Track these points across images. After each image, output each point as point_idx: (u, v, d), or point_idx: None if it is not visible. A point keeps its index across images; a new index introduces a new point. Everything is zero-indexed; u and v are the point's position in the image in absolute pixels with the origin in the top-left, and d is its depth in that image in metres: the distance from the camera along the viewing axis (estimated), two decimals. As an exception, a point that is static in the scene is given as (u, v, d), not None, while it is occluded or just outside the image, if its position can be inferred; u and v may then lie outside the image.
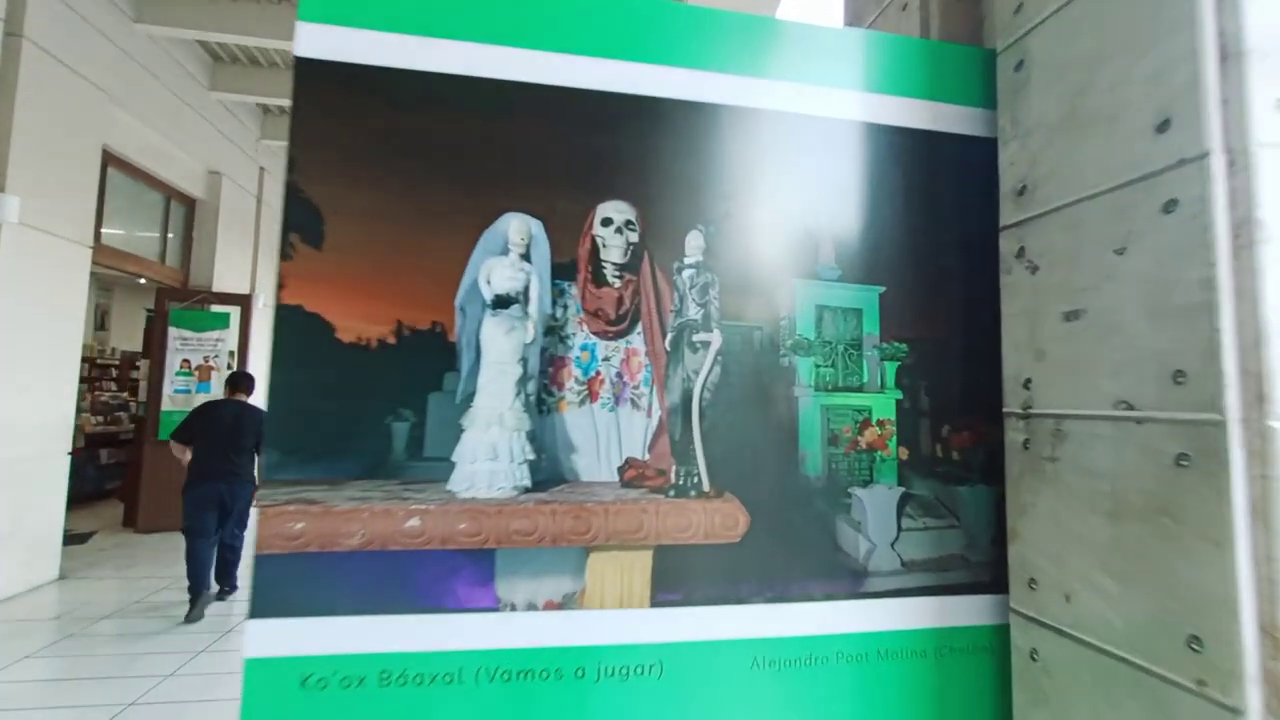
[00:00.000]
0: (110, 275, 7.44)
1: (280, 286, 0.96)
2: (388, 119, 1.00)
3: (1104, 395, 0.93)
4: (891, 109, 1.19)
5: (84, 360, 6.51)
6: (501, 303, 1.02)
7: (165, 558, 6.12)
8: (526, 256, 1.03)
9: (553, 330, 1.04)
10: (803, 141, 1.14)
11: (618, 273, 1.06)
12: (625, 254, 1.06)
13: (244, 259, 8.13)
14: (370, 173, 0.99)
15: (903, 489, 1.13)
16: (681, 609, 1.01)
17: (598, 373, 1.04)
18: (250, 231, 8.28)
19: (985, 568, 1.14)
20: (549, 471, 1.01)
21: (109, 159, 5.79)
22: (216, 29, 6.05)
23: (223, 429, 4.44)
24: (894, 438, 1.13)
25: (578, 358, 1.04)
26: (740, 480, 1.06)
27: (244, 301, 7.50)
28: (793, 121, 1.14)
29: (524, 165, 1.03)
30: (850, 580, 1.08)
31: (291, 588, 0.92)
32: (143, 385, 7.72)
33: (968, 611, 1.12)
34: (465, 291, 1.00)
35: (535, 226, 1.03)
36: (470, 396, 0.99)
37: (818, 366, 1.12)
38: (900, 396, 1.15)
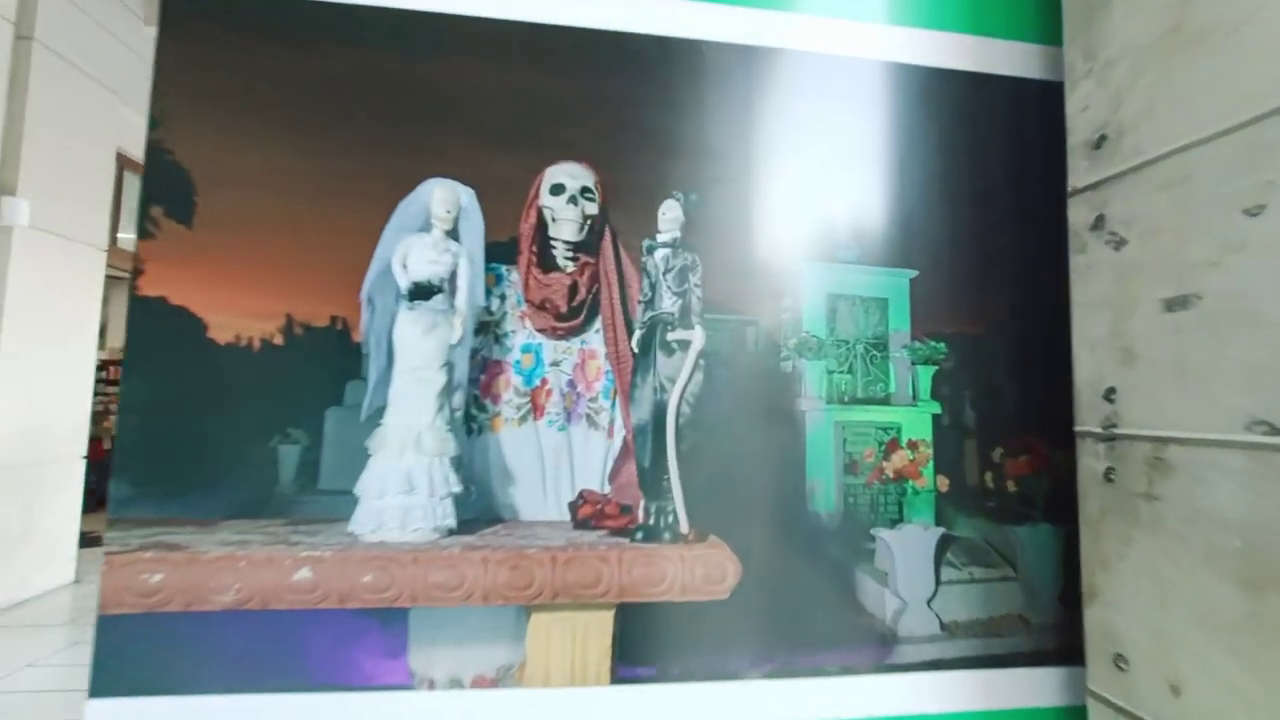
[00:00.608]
0: (122, 280, 7.45)
1: (138, 273, 0.76)
2: (278, 61, 0.79)
3: (1230, 413, 0.67)
4: (926, 46, 0.94)
5: (109, 364, 6.54)
6: (421, 292, 0.80)
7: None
8: (454, 234, 0.81)
9: (486, 327, 0.82)
10: (812, 87, 0.90)
11: (571, 254, 0.83)
12: (581, 230, 0.83)
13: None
14: (257, 130, 0.79)
15: (942, 530, 0.88)
16: (653, 687, 0.78)
17: (544, 381, 0.81)
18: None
19: (1052, 632, 0.88)
20: (480, 508, 0.79)
21: (124, 162, 5.78)
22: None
23: None
24: (930, 464, 0.88)
25: (518, 362, 0.81)
26: (729, 520, 0.83)
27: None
28: (799, 61, 0.90)
29: (452, 118, 0.82)
30: (875, 648, 0.84)
31: (146, 658, 0.72)
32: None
33: (1029, 689, 0.87)
34: (375, 279, 0.79)
35: (465, 196, 0.81)
36: (380, 412, 0.78)
37: (831, 373, 0.87)
38: (938, 410, 0.90)
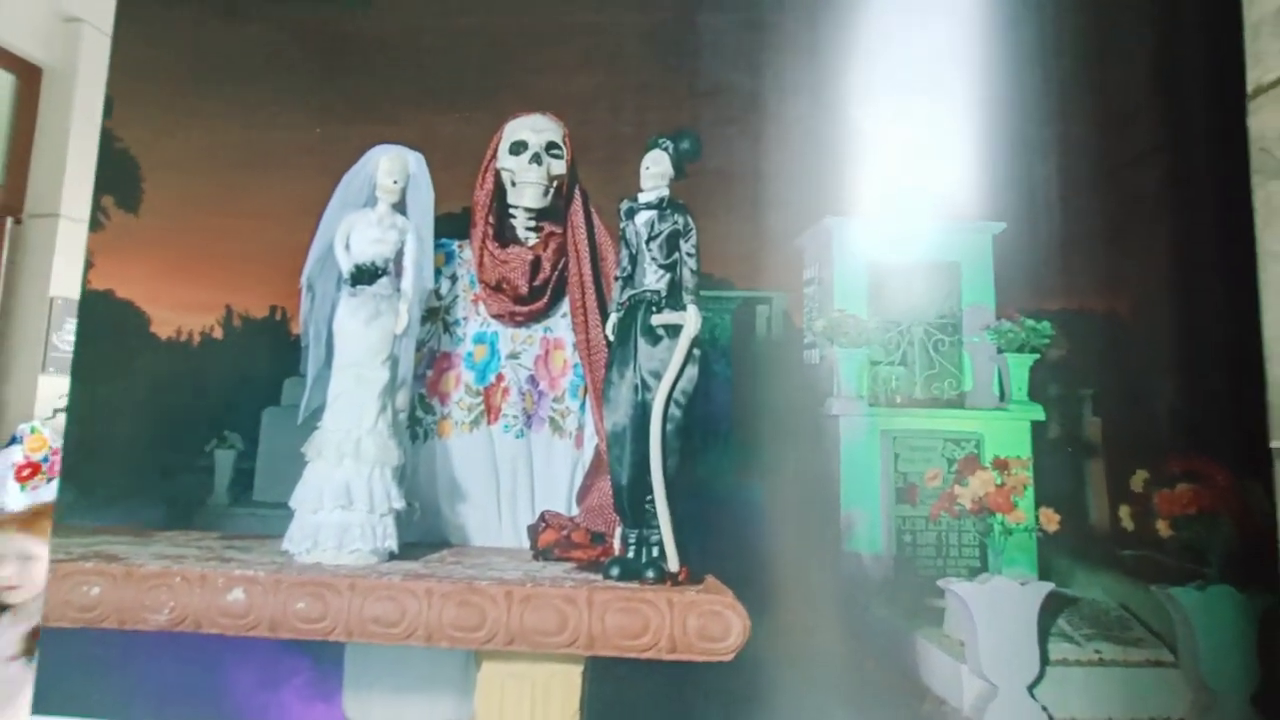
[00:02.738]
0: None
1: (88, 266, 0.72)
2: (217, 33, 0.73)
3: None
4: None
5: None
6: (363, 276, 0.69)
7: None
8: (401, 207, 0.70)
9: (435, 314, 0.69)
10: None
11: (533, 223, 0.68)
12: (545, 194, 0.68)
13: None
14: (199, 108, 0.73)
15: (1050, 585, 0.61)
16: (628, 774, 0.61)
17: (499, 377, 0.67)
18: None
19: (1238, 750, 0.58)
20: (424, 529, 0.66)
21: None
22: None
23: None
24: (1029, 491, 0.62)
25: (470, 354, 0.68)
26: (734, 559, 0.63)
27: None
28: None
29: (396, 74, 0.71)
30: (943, 752, 0.60)
31: (82, 678, 0.67)
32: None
33: (1200, 836, 0.58)
34: (315, 262, 0.70)
35: (414, 162, 0.70)
36: (318, 413, 0.68)
37: (875, 364, 0.65)
38: (1040, 417, 0.63)
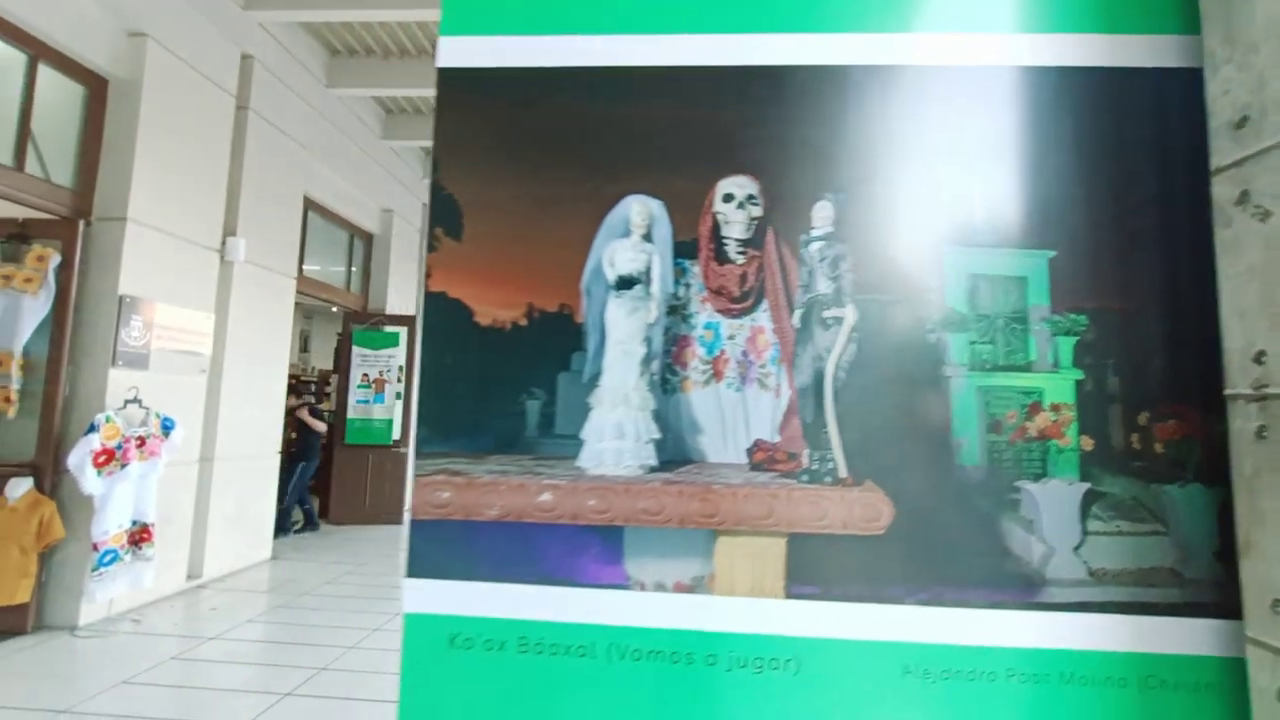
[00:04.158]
0: (312, 305, 8.80)
1: (427, 276, 1.05)
2: (515, 116, 1.06)
3: (1387, 363, 0.72)
4: (1056, 48, 1.04)
5: (292, 377, 7.73)
6: (624, 284, 1.03)
7: (352, 545, 7.04)
8: (648, 237, 1.03)
9: (675, 309, 1.03)
10: (950, 95, 1.03)
11: (741, 249, 1.02)
12: (748, 229, 1.02)
13: (410, 285, 9.24)
14: (501, 168, 1.06)
15: (1087, 485, 0.96)
16: (820, 603, 0.94)
17: (722, 351, 1.01)
18: (415, 260, 9.40)
19: (1208, 587, 0.93)
20: (674, 451, 0.99)
21: (308, 204, 6.89)
22: (391, 85, 7.00)
23: None
24: (1074, 425, 0.97)
25: (701, 337, 1.01)
26: (883, 468, 0.97)
27: (410, 322, 8.54)
28: (936, 75, 1.03)
29: (643, 148, 1.04)
30: (1022, 588, 0.93)
31: (440, 551, 0.99)
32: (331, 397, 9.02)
33: (1184, 638, 0.92)
34: (590, 274, 1.03)
35: (656, 207, 1.03)
36: (596, 376, 1.01)
37: (973, 343, 0.99)
38: (1080, 376, 0.98)
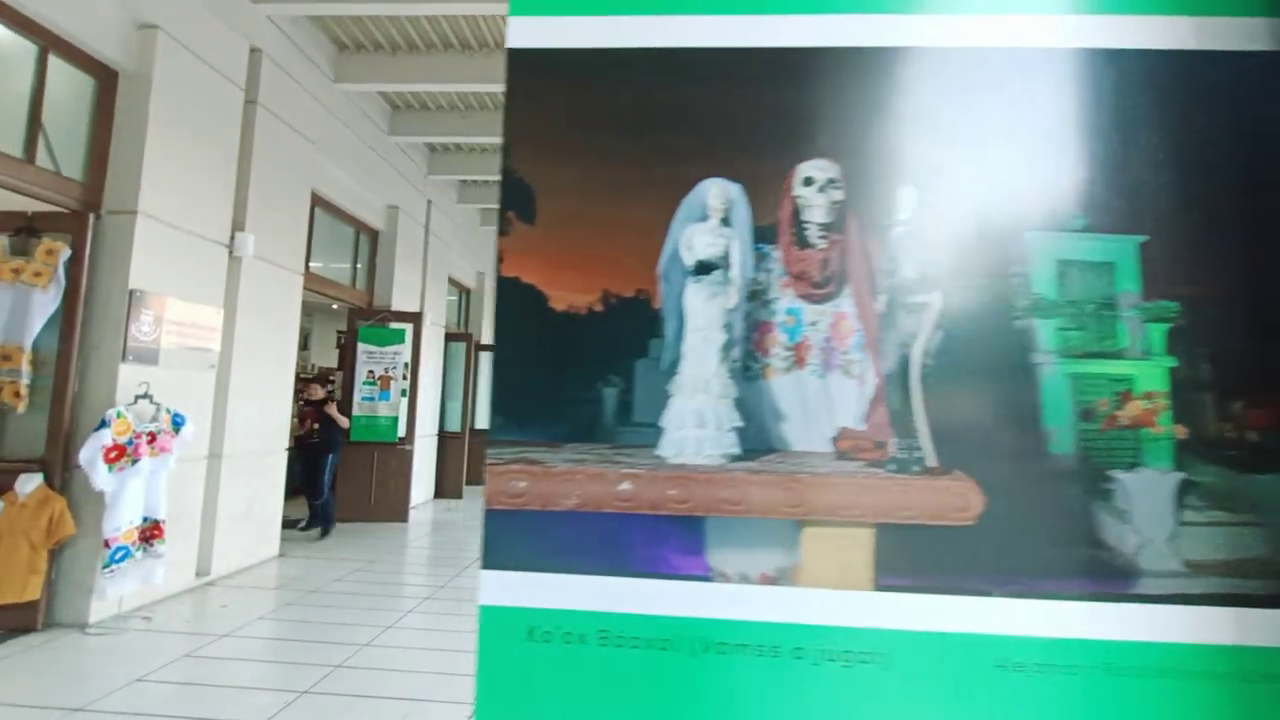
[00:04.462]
0: (312, 302, 8.74)
1: (500, 260, 1.03)
2: (587, 97, 1.04)
3: None
4: (1144, 31, 1.01)
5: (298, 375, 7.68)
6: (703, 269, 1.00)
7: (359, 543, 6.99)
8: (727, 221, 1.01)
9: (756, 295, 1.00)
10: (1035, 78, 1.01)
11: (822, 233, 1.00)
12: (829, 213, 1.00)
13: (414, 282, 9.19)
14: (574, 150, 1.04)
15: (1181, 474, 0.94)
16: (910, 595, 0.92)
17: (805, 338, 0.99)
18: (419, 257, 9.35)
19: (1307, 577, 0.91)
20: (757, 440, 0.97)
21: (315, 200, 6.85)
22: (399, 81, 6.95)
23: None
24: (1167, 413, 0.95)
25: (783, 323, 0.99)
26: (971, 457, 0.95)
27: (416, 319, 8.48)
28: (1021, 57, 1.01)
29: (721, 131, 1.02)
30: (1117, 579, 0.92)
31: (516, 542, 0.97)
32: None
33: (1283, 630, 0.90)
34: (667, 259, 1.01)
35: (735, 191, 1.01)
36: (675, 363, 0.99)
37: (1062, 329, 0.97)
38: (1173, 364, 0.96)
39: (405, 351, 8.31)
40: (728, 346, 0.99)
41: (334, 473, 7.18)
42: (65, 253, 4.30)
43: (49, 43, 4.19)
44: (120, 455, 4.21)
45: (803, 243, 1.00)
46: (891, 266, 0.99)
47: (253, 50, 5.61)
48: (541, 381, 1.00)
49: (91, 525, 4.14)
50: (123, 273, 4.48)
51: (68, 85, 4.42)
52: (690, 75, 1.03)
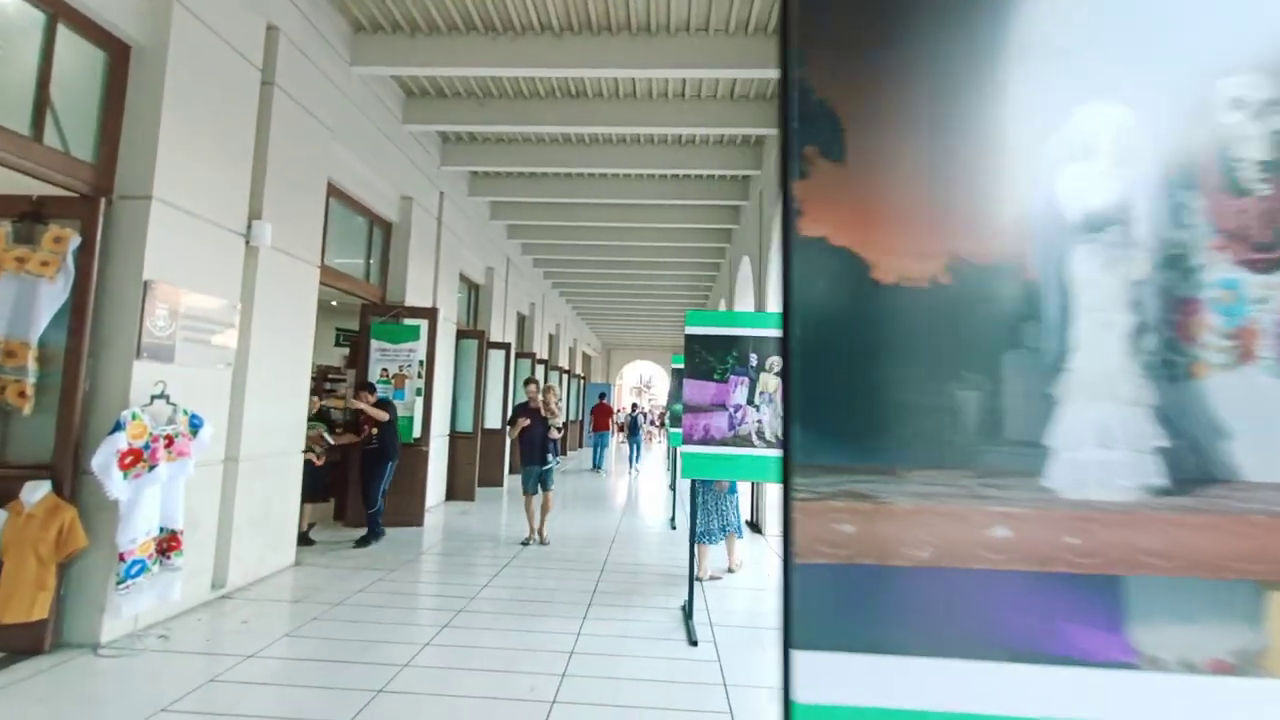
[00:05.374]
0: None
1: (797, 214, 0.73)
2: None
3: None
4: None
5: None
6: (1095, 225, 0.72)
7: (375, 549, 6.65)
8: (1121, 160, 0.72)
9: (1174, 261, 0.72)
10: None
11: (1264, 175, 0.71)
12: (1272, 147, 0.72)
13: (427, 276, 8.84)
14: (890, 68, 0.75)
15: None
16: None
17: (1250, 320, 0.70)
18: (432, 251, 9.00)
19: None
20: (1191, 466, 0.68)
21: (330, 189, 6.49)
22: (415, 64, 6.61)
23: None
24: None
25: (1216, 299, 0.71)
26: None
27: (431, 315, 8.14)
28: None
29: (1102, 37, 0.73)
30: None
31: (843, 612, 0.68)
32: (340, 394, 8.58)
33: None
34: (1041, 211, 0.72)
35: (1129, 118, 0.72)
36: (1063, 357, 0.70)
37: None
38: None
39: (420, 348, 7.97)
40: (1139, 333, 0.70)
41: (390, 481, 6.99)
42: (75, 240, 3.95)
43: (57, 10, 3.84)
44: (136, 460, 3.86)
45: (1236, 188, 0.71)
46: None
47: (270, 28, 5.25)
48: (865, 383, 0.71)
49: (104, 537, 3.80)
50: (136, 262, 4.12)
51: (78, 60, 4.06)
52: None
